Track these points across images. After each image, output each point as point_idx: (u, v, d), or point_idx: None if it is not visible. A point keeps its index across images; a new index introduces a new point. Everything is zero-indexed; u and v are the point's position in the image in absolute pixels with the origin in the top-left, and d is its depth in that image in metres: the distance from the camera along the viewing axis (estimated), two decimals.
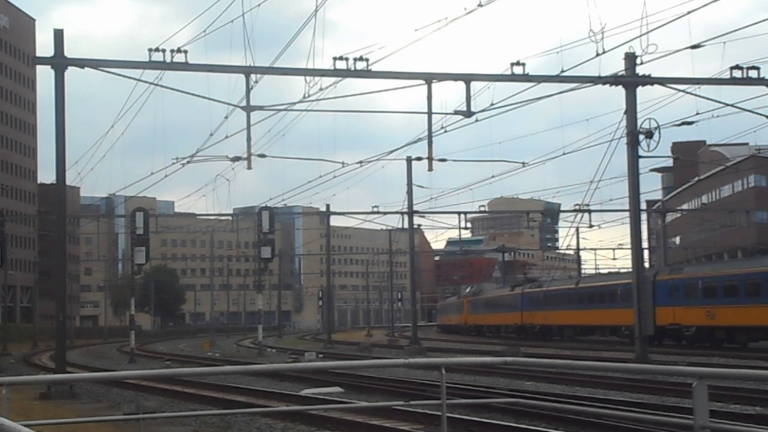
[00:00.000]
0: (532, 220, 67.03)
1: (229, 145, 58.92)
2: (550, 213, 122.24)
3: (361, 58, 26.16)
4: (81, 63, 26.14)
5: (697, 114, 32.42)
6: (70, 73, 25.80)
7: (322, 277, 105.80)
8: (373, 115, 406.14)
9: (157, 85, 27.15)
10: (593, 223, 53.01)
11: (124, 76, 26.90)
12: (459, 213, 54.98)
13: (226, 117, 27.91)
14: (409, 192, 52.22)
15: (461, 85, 27.42)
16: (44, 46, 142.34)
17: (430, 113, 27.15)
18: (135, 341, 51.74)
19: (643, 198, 42.35)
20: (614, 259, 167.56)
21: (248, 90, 26.06)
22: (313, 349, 53.23)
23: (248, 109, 26.06)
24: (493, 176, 45.64)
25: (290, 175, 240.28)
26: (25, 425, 5.98)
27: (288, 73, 28.30)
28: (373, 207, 55.29)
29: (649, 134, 30.76)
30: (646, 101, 57.86)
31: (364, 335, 77.44)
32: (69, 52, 25.52)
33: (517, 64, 27.73)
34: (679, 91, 30.85)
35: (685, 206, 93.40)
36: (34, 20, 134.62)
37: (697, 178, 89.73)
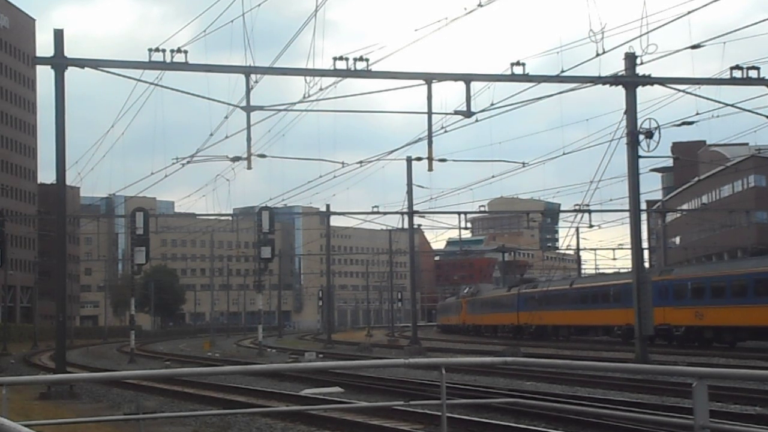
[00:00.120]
0: (532, 220, 67.04)
1: (229, 145, 58.87)
2: (550, 213, 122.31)
3: (361, 58, 26.16)
4: (81, 63, 26.14)
5: (697, 114, 32.46)
6: (70, 73, 25.83)
7: (322, 277, 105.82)
8: (373, 115, 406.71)
9: (157, 85, 27.17)
10: (593, 223, 53.06)
11: (124, 76, 26.91)
12: (459, 213, 55.03)
13: (226, 117, 27.95)
14: (409, 192, 52.26)
15: (461, 85, 27.42)
16: (44, 46, 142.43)
17: (430, 113, 27.15)
18: (135, 341, 51.74)
19: (643, 198, 42.58)
20: (614, 259, 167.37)
21: (248, 90, 26.07)
22: (313, 349, 53.23)
23: (248, 109, 26.06)
24: (493, 176, 45.68)
25: (290, 175, 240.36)
26: (25, 425, 5.98)
27: (288, 73, 28.30)
28: (373, 207, 55.38)
29: (649, 134, 30.76)
30: (646, 101, 57.86)
31: (364, 335, 77.44)
32: (69, 52, 25.53)
33: (517, 64, 27.73)
34: (679, 91, 30.85)
35: (685, 206, 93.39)
36: (34, 20, 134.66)
37: (697, 178, 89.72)
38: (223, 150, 53.88)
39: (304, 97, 26.89)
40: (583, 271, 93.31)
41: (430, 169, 27.61)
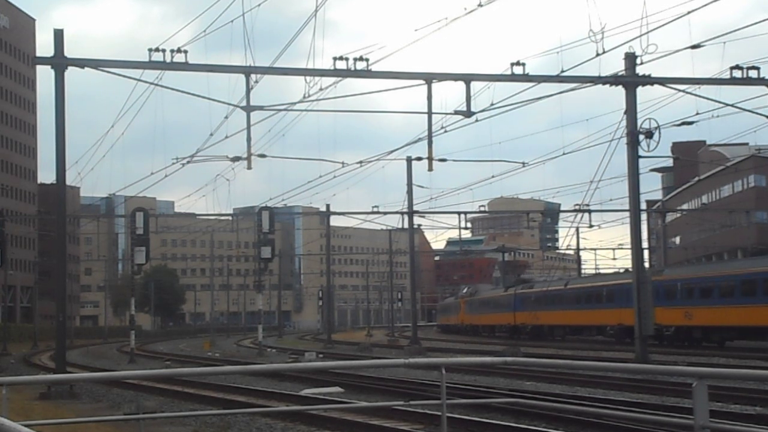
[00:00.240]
0: (532, 220, 67.07)
1: (229, 145, 58.94)
2: (550, 213, 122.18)
3: (361, 58, 26.15)
4: (81, 63, 26.14)
5: (697, 114, 32.46)
6: (70, 73, 25.82)
7: (322, 277, 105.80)
8: (373, 115, 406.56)
9: (157, 85, 27.17)
10: (593, 223, 53.13)
11: (124, 76, 26.91)
12: (459, 213, 55.04)
13: (226, 117, 27.94)
14: (409, 192, 52.26)
15: (461, 85, 27.42)
16: (44, 46, 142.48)
17: (430, 113, 27.15)
18: (135, 341, 51.72)
19: (643, 198, 42.79)
20: (614, 259, 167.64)
21: (248, 90, 26.06)
22: (313, 349, 53.23)
23: (248, 109, 26.05)
24: (493, 176, 45.74)
25: (290, 175, 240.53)
26: (25, 425, 5.98)
27: (288, 73, 28.29)
28: (373, 207, 55.38)
29: (649, 134, 30.76)
30: (646, 101, 57.91)
31: (364, 335, 77.44)
32: (69, 52, 25.53)
33: (517, 64, 27.73)
34: (679, 91, 30.85)
35: (685, 206, 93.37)
36: (34, 20, 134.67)
37: (697, 178, 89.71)
38: (223, 150, 53.94)
39: (304, 97, 26.90)
40: (583, 271, 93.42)
41: (430, 169, 27.61)
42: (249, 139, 26.06)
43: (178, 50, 25.69)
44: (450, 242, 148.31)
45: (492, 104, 28.08)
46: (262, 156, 32.30)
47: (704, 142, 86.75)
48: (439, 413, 10.29)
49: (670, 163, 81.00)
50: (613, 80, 30.60)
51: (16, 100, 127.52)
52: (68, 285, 30.97)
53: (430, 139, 27.46)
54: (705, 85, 30.78)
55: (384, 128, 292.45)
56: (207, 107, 37.56)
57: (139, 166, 64.28)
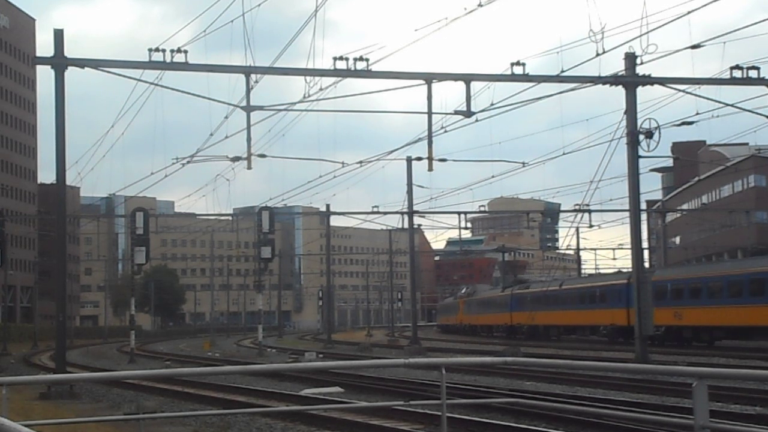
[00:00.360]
0: (532, 220, 67.11)
1: (229, 145, 58.86)
2: (550, 213, 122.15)
3: (361, 58, 26.15)
4: (81, 63, 26.13)
5: (697, 114, 32.47)
6: (70, 73, 25.81)
7: (322, 277, 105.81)
8: (373, 115, 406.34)
9: (157, 85, 27.17)
10: (593, 223, 53.22)
11: (124, 76, 26.91)
12: (459, 213, 55.07)
13: (226, 117, 27.94)
14: (409, 192, 52.27)
15: (461, 85, 27.42)
16: (44, 46, 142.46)
17: (430, 113, 27.15)
18: (135, 341, 51.72)
19: (643, 198, 42.98)
20: (614, 259, 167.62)
21: (248, 90, 26.06)
22: (313, 349, 53.23)
23: (248, 109, 26.05)
24: (493, 176, 45.75)
25: (290, 175, 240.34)
26: (25, 425, 5.98)
27: (288, 73, 28.29)
28: (373, 207, 55.38)
29: (649, 134, 30.76)
30: (646, 101, 57.88)
31: (364, 335, 77.44)
32: (69, 52, 25.52)
33: (517, 64, 27.73)
34: (679, 91, 30.85)
35: (685, 206, 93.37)
36: (34, 20, 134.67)
37: (697, 178, 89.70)
38: (223, 150, 53.92)
39: (304, 97, 26.90)
40: (583, 271, 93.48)
41: (430, 169, 27.62)
42: (249, 139, 26.08)
43: (178, 50, 25.69)
44: (450, 242, 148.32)
45: (492, 104, 28.10)
46: (262, 156, 32.31)
47: (704, 142, 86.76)
48: (439, 413, 10.28)
49: (670, 163, 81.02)
50: (613, 80, 30.59)
51: (16, 100, 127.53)
52: (68, 285, 30.97)
53: (430, 139, 27.46)
54: (705, 85, 30.78)
55: (384, 128, 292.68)
56: (207, 107, 37.61)
57: (139, 166, 64.39)
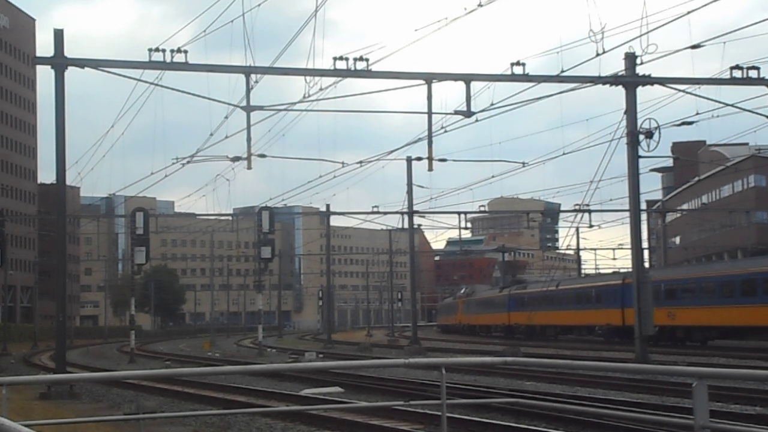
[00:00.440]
0: (532, 220, 67.14)
1: (229, 145, 59.01)
2: (550, 213, 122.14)
3: (361, 58, 26.15)
4: (81, 63, 26.13)
5: (697, 114, 32.47)
6: (70, 73, 25.81)
7: (322, 277, 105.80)
8: (373, 115, 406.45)
9: (157, 85, 27.17)
10: (593, 223, 53.26)
11: (124, 76, 26.91)
12: (459, 213, 55.09)
13: (226, 117, 27.94)
14: (409, 192, 52.26)
15: (461, 85, 27.41)
16: (44, 46, 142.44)
17: (430, 113, 27.14)
18: (135, 341, 51.72)
19: (643, 198, 43.11)
20: (614, 259, 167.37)
21: (248, 90, 26.06)
22: (313, 349, 53.23)
23: (248, 109, 26.05)
24: (493, 176, 45.73)
25: (290, 175, 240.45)
26: (25, 425, 5.98)
27: (288, 73, 28.28)
28: (373, 207, 55.38)
29: (649, 134, 30.76)
30: (646, 101, 57.88)
31: (364, 335, 77.45)
32: (69, 52, 25.52)
33: (517, 64, 27.72)
34: (679, 91, 30.84)
35: (685, 206, 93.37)
36: (34, 20, 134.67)
37: (697, 178, 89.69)
38: (223, 150, 53.99)
39: (304, 97, 26.90)
40: (583, 271, 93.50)
41: (430, 169, 27.61)
42: (249, 139, 26.07)
43: (178, 50, 25.69)
44: (450, 242, 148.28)
45: (492, 104, 28.10)
46: (262, 156, 32.32)
47: (704, 142, 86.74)
48: (439, 413, 10.28)
49: (670, 163, 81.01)
50: (613, 80, 30.59)
51: (16, 100, 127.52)
52: (68, 285, 30.96)
53: (430, 139, 27.46)
54: (705, 85, 30.78)
55: (384, 128, 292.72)
56: (207, 107, 37.59)
57: (139, 166, 64.32)
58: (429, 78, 27.01)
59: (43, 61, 26.24)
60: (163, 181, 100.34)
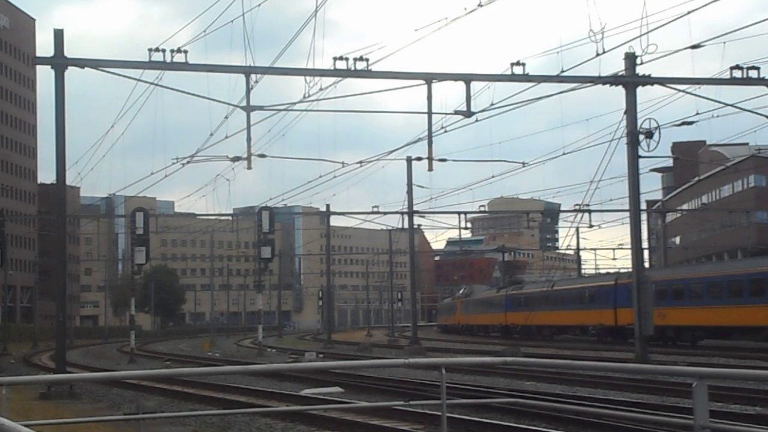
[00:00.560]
0: (532, 220, 67.15)
1: (229, 145, 59.03)
2: (550, 213, 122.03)
3: (361, 58, 26.15)
4: (81, 63, 26.13)
5: (697, 114, 32.47)
6: (70, 73, 25.81)
7: (322, 277, 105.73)
8: (373, 115, 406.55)
9: (157, 85, 27.17)
10: (593, 223, 53.32)
11: (124, 76, 26.91)
12: (459, 213, 55.10)
13: (226, 117, 27.95)
14: (409, 192, 52.25)
15: (461, 85, 27.41)
16: (44, 46, 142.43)
17: (430, 113, 27.14)
18: (135, 341, 51.71)
19: (643, 198, 43.23)
20: (614, 259, 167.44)
21: (248, 90, 26.06)
22: (313, 349, 53.22)
23: (248, 109, 26.05)
24: (493, 176, 45.77)
25: (290, 175, 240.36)
26: (25, 425, 5.97)
27: (288, 73, 28.28)
28: (373, 207, 55.38)
29: (649, 134, 30.75)
30: (646, 101, 57.90)
31: (364, 335, 77.44)
32: (69, 52, 25.52)
33: (517, 64, 27.72)
34: (679, 91, 30.84)
35: (685, 206, 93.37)
36: (34, 20, 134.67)
37: (697, 178, 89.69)
38: (223, 150, 53.97)
39: (304, 97, 26.90)
40: (583, 271, 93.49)
41: (430, 169, 27.61)
42: (249, 139, 26.07)
43: (178, 50, 25.69)
44: (450, 242, 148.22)
45: (492, 104, 28.10)
46: (262, 156, 32.33)
47: (704, 142, 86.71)
48: (439, 413, 10.28)
49: (670, 163, 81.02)
50: (613, 80, 30.59)
51: (16, 100, 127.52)
52: (68, 285, 30.95)
53: (430, 139, 27.46)
54: (705, 85, 30.77)
55: (384, 128, 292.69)
56: (207, 107, 37.65)
57: (139, 166, 64.41)
58: (429, 78, 27.01)
59: (43, 61, 26.24)
60: (163, 181, 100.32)
